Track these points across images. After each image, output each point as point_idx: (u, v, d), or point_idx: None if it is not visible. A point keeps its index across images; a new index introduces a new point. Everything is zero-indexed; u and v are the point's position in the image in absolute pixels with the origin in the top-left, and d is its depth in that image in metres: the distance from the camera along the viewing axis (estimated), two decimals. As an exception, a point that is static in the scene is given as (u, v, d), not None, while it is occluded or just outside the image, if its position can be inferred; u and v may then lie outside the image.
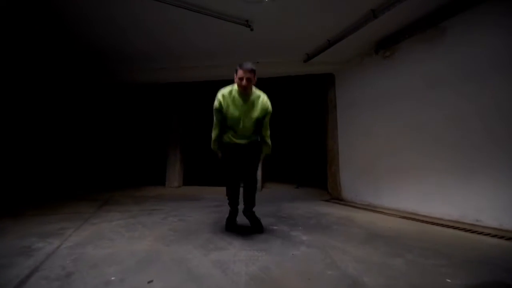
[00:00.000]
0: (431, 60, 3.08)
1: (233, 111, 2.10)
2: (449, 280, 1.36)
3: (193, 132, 6.07)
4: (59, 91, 5.32)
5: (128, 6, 3.01)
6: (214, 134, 2.24)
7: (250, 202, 2.33)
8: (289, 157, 6.96)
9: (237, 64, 2.10)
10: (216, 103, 2.10)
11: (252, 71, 2.01)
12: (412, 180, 3.23)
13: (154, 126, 6.51)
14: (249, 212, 2.36)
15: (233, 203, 2.35)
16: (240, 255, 1.70)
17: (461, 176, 2.74)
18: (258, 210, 2.47)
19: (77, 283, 1.29)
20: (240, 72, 1.98)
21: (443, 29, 2.96)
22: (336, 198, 4.38)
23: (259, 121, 2.19)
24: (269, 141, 2.32)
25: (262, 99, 2.17)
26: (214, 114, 2.16)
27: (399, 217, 2.95)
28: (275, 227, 2.43)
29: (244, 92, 2.05)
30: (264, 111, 2.16)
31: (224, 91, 2.12)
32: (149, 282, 1.30)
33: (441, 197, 2.91)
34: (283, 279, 1.37)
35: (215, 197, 4.22)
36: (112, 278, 1.34)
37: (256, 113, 2.13)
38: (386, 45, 3.61)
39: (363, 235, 2.21)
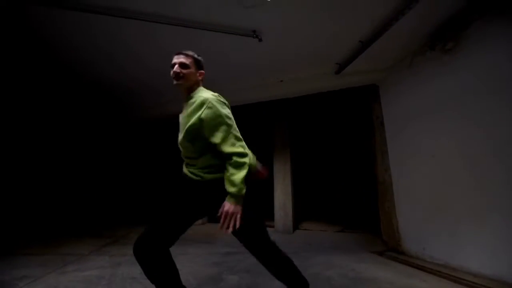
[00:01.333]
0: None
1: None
2: None
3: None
4: (91, 132, 5.72)
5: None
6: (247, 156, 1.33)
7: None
8: (326, 192, 5.74)
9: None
10: (228, 109, 1.40)
11: (188, 55, 1.45)
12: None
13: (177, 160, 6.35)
14: None
15: None
16: None
17: None
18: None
19: None
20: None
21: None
22: (393, 249, 3.14)
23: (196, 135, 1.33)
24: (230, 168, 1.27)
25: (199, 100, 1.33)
26: (231, 123, 1.36)
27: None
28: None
29: (178, 88, 1.45)
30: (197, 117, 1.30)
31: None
32: None
33: None
34: None
35: (231, 240, 3.50)
36: None
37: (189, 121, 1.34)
38: (447, 35, 2.62)
39: None
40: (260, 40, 2.92)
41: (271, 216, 4.42)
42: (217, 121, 1.27)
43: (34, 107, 4.94)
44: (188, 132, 1.31)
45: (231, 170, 1.23)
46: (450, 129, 2.57)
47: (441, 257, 2.54)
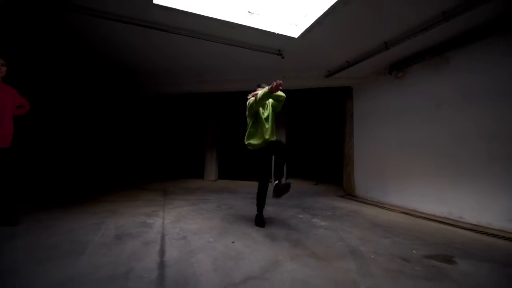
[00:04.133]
0: (437, 83, 3.73)
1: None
2: (414, 252, 2.18)
3: (226, 135, 7.06)
4: (118, 106, 6.54)
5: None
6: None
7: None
8: (310, 158, 7.77)
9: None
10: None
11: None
12: (415, 183, 3.96)
13: (193, 130, 7.61)
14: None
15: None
16: (279, 232, 2.62)
17: (455, 182, 3.43)
18: (284, 201, 3.38)
19: (193, 242, 2.27)
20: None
21: (447, 58, 3.59)
22: (349, 194, 5.18)
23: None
24: None
25: None
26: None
27: (400, 213, 3.73)
28: (301, 216, 3.33)
29: None
30: None
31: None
32: (232, 242, 2.26)
33: (436, 198, 3.64)
34: (309, 245, 2.27)
35: (248, 191, 5.18)
36: (210, 240, 2.32)
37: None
38: (399, 67, 4.27)
39: (366, 224, 3.04)
40: (283, 57, 4.22)
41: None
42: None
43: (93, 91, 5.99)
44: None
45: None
46: (392, 127, 4.40)
47: (376, 197, 4.59)
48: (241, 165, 6.67)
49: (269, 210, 3.42)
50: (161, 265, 1.80)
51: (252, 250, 2.12)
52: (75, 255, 1.94)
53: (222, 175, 6.88)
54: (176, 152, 7.81)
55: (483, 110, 3.18)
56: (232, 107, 6.97)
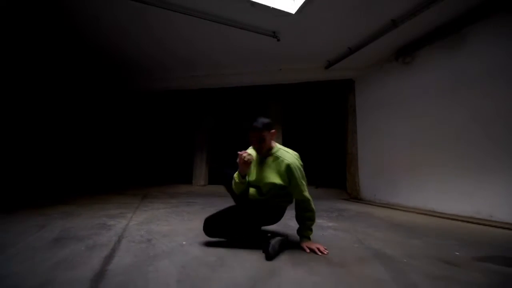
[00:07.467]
0: (452, 64, 3.27)
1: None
2: (457, 253, 1.61)
3: (217, 136, 6.50)
4: (106, 106, 5.99)
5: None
6: None
7: None
8: (309, 160, 7.17)
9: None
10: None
11: (259, 129, 1.60)
12: (430, 180, 3.42)
13: (181, 130, 7.03)
14: None
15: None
16: (276, 234, 2.02)
17: (480, 176, 2.89)
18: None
19: (158, 245, 1.66)
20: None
21: (463, 35, 3.16)
22: (354, 197, 4.60)
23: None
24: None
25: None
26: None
27: (417, 213, 3.16)
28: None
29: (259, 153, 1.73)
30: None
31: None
32: (214, 244, 1.66)
33: (458, 196, 3.09)
34: (317, 249, 1.68)
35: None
36: (183, 243, 1.71)
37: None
38: (407, 52, 3.84)
39: (383, 224, 2.47)
40: (278, 40, 3.78)
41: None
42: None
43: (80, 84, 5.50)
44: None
45: None
46: (399, 118, 3.92)
47: (386, 199, 4.03)
48: (234, 169, 6.06)
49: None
50: (100, 275, 1.20)
51: (238, 254, 1.53)
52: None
53: (213, 180, 6.25)
54: (164, 155, 7.15)
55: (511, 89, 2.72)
56: (224, 106, 6.48)
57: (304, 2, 3.02)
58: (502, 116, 2.75)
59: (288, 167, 1.60)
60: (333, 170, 5.74)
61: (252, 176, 1.75)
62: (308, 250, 1.61)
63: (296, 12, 3.19)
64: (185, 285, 1.13)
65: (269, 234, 1.61)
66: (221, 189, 5.50)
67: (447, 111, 3.30)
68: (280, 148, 1.73)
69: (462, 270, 1.35)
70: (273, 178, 1.64)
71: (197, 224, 2.28)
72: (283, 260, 1.46)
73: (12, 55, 4.26)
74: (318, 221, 2.54)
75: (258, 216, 1.74)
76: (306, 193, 1.66)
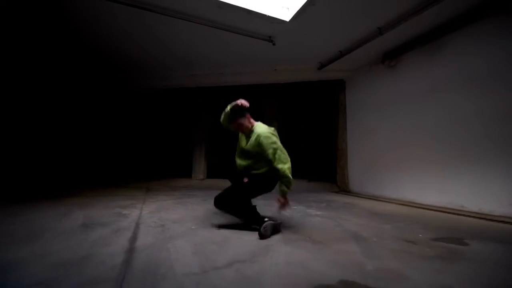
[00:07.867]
0: (431, 69, 3.61)
1: None
2: (420, 235, 1.96)
3: (215, 132, 6.79)
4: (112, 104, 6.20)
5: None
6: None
7: None
8: (301, 155, 7.57)
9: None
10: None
11: (235, 119, 2.13)
12: (412, 174, 3.79)
13: (180, 126, 7.28)
14: None
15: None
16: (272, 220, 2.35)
17: (454, 169, 3.26)
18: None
19: (172, 229, 1.98)
20: None
21: (441, 44, 3.49)
22: (344, 190, 4.97)
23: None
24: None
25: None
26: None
27: (397, 204, 3.54)
28: (294, 207, 3.07)
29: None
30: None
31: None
32: (219, 228, 1.98)
33: (435, 188, 3.46)
34: (305, 231, 2.02)
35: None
36: (192, 227, 2.03)
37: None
38: (392, 56, 4.16)
39: (363, 213, 2.82)
40: (274, 44, 4.05)
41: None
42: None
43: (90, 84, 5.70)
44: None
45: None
46: (386, 117, 4.26)
47: (372, 192, 4.40)
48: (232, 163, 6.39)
49: (260, 203, 3.14)
50: (130, 250, 1.51)
51: (240, 235, 1.85)
52: (32, 241, 1.66)
53: (211, 174, 6.56)
54: (163, 150, 7.43)
55: (481, 93, 3.06)
56: (223, 103, 6.73)
57: (298, 11, 3.29)
58: (471, 117, 3.11)
59: (258, 136, 2.03)
60: (325, 164, 6.10)
61: (243, 144, 2.17)
62: (278, 203, 2.03)
63: (290, 20, 3.46)
64: (200, 256, 1.44)
65: (266, 219, 1.93)
66: (220, 183, 5.81)
67: (425, 112, 3.65)
68: (257, 125, 2.17)
69: (418, 246, 1.70)
70: (252, 146, 2.07)
71: (201, 212, 2.60)
72: (276, 240, 1.79)
73: (15, 55, 4.44)
74: (308, 210, 2.89)
75: (253, 185, 2.10)
76: (279, 164, 1.97)
